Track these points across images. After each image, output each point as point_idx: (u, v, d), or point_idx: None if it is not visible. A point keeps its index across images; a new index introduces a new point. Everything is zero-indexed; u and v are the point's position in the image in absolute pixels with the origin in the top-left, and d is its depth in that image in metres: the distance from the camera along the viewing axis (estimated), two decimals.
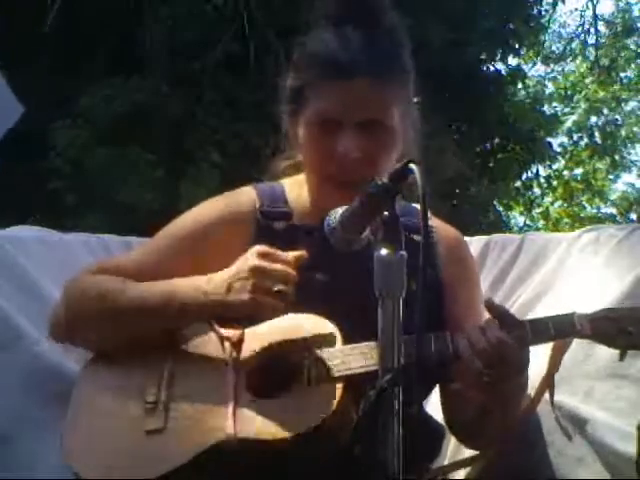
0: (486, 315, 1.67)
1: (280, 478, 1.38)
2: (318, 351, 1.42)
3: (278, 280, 1.39)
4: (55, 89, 7.39)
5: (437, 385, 1.69)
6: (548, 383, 1.48)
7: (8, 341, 1.73)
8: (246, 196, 1.64)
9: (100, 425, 1.45)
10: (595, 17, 12.83)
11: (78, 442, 1.45)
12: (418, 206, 1.59)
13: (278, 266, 1.40)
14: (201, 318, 1.50)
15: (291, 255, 1.42)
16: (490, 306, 1.42)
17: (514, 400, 1.49)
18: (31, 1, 7.23)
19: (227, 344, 1.46)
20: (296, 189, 1.66)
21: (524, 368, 1.41)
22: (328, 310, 1.45)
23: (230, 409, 1.38)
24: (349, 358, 1.41)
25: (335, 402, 1.36)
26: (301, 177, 1.68)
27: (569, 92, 15.02)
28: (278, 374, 1.43)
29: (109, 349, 1.54)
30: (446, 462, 1.85)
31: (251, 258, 1.41)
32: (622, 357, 1.39)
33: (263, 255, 1.41)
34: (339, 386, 1.38)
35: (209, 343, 1.49)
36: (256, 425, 1.36)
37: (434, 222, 1.66)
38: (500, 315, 1.41)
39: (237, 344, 1.46)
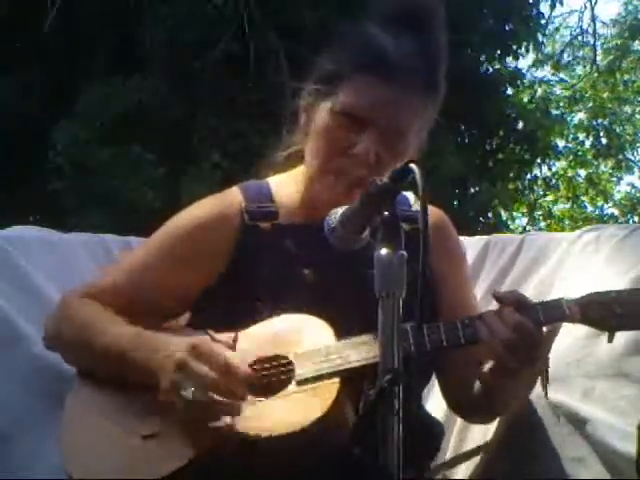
0: (473, 294, 1.73)
1: (278, 478, 1.38)
2: (291, 355, 1.42)
3: (196, 383, 1.31)
4: (55, 89, 7.40)
5: (434, 374, 1.70)
6: (541, 371, 1.50)
7: (8, 341, 1.73)
8: (231, 197, 1.63)
9: (96, 430, 1.45)
10: (593, 18, 12.84)
11: (74, 447, 1.45)
12: (408, 194, 1.62)
13: (203, 369, 1.32)
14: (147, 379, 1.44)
15: (229, 362, 1.34)
16: (500, 296, 1.43)
17: (525, 379, 1.50)
18: (31, 1, 7.23)
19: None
20: (283, 187, 1.65)
21: (541, 348, 1.42)
22: (314, 306, 1.45)
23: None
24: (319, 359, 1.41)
25: (331, 401, 1.35)
26: (288, 174, 1.67)
27: (574, 93, 15.01)
28: (272, 376, 1.43)
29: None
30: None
31: (180, 352, 1.34)
32: (610, 339, 1.41)
33: (195, 351, 1.34)
34: (336, 385, 1.38)
35: None
36: (253, 425, 1.36)
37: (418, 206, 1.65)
38: (513, 300, 1.41)
39: (232, 347, 1.45)
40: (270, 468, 1.36)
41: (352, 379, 1.36)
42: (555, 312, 1.40)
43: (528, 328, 1.37)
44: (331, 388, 1.37)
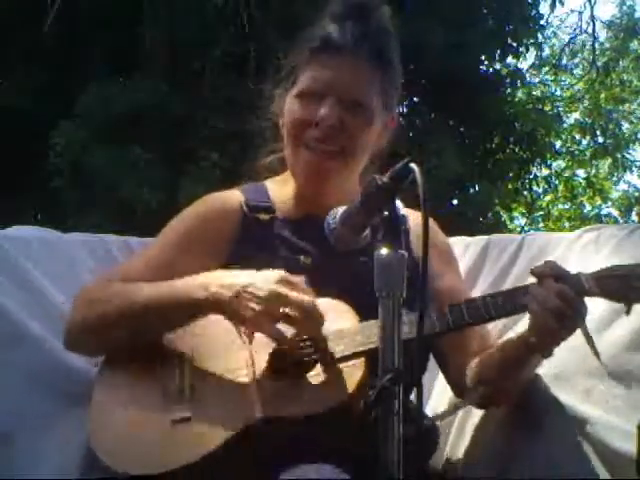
0: (465, 288, 1.83)
1: (309, 456, 1.38)
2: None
3: (292, 307, 1.40)
4: (55, 89, 7.40)
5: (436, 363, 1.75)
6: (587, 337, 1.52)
7: (10, 340, 1.73)
8: (231, 194, 1.76)
9: (126, 418, 1.47)
10: (593, 18, 12.83)
11: (105, 436, 1.46)
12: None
13: (295, 295, 1.41)
14: (197, 312, 1.50)
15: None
16: (538, 272, 1.49)
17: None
18: (31, 1, 7.23)
19: (243, 331, 1.49)
20: (278, 187, 1.77)
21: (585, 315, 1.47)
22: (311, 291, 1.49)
23: (255, 392, 1.42)
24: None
25: (360, 378, 1.39)
26: (282, 176, 1.79)
27: (572, 93, 15.00)
28: (301, 356, 1.46)
29: (125, 349, 1.56)
30: (443, 460, 1.85)
31: (272, 282, 1.42)
32: (628, 312, 1.47)
33: (286, 282, 1.43)
34: (363, 365, 1.42)
35: (225, 331, 1.51)
36: (282, 405, 1.39)
37: (404, 210, 1.71)
38: (551, 273, 1.47)
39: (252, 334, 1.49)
40: (301, 446, 1.37)
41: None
42: (576, 286, 1.46)
43: (570, 295, 1.43)
44: (359, 367, 1.42)
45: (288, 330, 1.43)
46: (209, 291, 1.46)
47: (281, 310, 1.40)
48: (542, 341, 1.47)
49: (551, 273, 1.47)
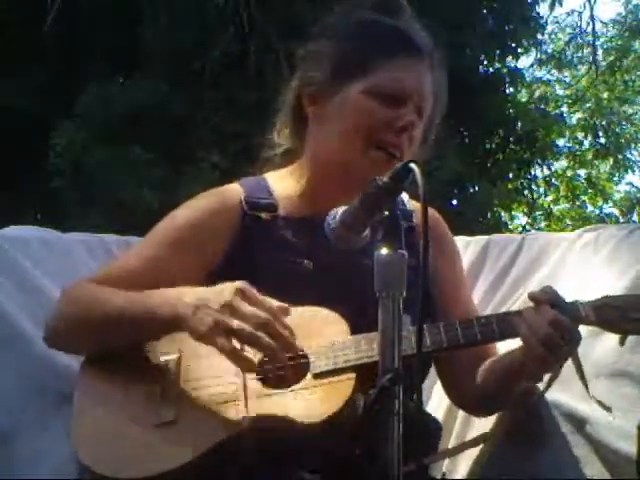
0: (469, 290, 1.81)
1: (294, 467, 1.38)
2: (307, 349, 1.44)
3: (246, 321, 1.33)
4: (55, 89, 7.40)
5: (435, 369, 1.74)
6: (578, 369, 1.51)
7: (9, 340, 1.73)
8: (232, 189, 1.69)
9: (109, 419, 1.44)
10: (592, 17, 12.83)
11: (87, 437, 1.43)
12: (403, 195, 1.65)
13: (250, 309, 1.34)
14: (163, 330, 1.46)
15: (275, 304, 1.38)
16: (535, 296, 1.47)
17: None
18: (31, 1, 7.23)
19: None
20: (280, 182, 1.70)
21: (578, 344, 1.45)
22: (313, 296, 1.47)
23: (242, 400, 1.39)
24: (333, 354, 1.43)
25: (349, 395, 1.37)
26: (284, 170, 1.72)
27: (574, 93, 14.99)
28: (288, 368, 1.43)
29: (100, 355, 1.54)
30: (446, 461, 1.85)
31: (228, 293, 1.36)
32: (622, 342, 1.46)
33: (242, 293, 1.36)
34: (353, 380, 1.39)
35: None
36: (269, 416, 1.36)
37: (412, 205, 1.70)
38: (548, 299, 1.45)
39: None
40: (286, 458, 1.37)
41: (367, 374, 1.35)
42: (573, 314, 1.44)
43: (565, 324, 1.41)
44: (348, 382, 1.39)
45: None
46: (173, 309, 1.40)
47: (235, 324, 1.32)
48: (532, 366, 1.45)
49: (547, 299, 1.45)
